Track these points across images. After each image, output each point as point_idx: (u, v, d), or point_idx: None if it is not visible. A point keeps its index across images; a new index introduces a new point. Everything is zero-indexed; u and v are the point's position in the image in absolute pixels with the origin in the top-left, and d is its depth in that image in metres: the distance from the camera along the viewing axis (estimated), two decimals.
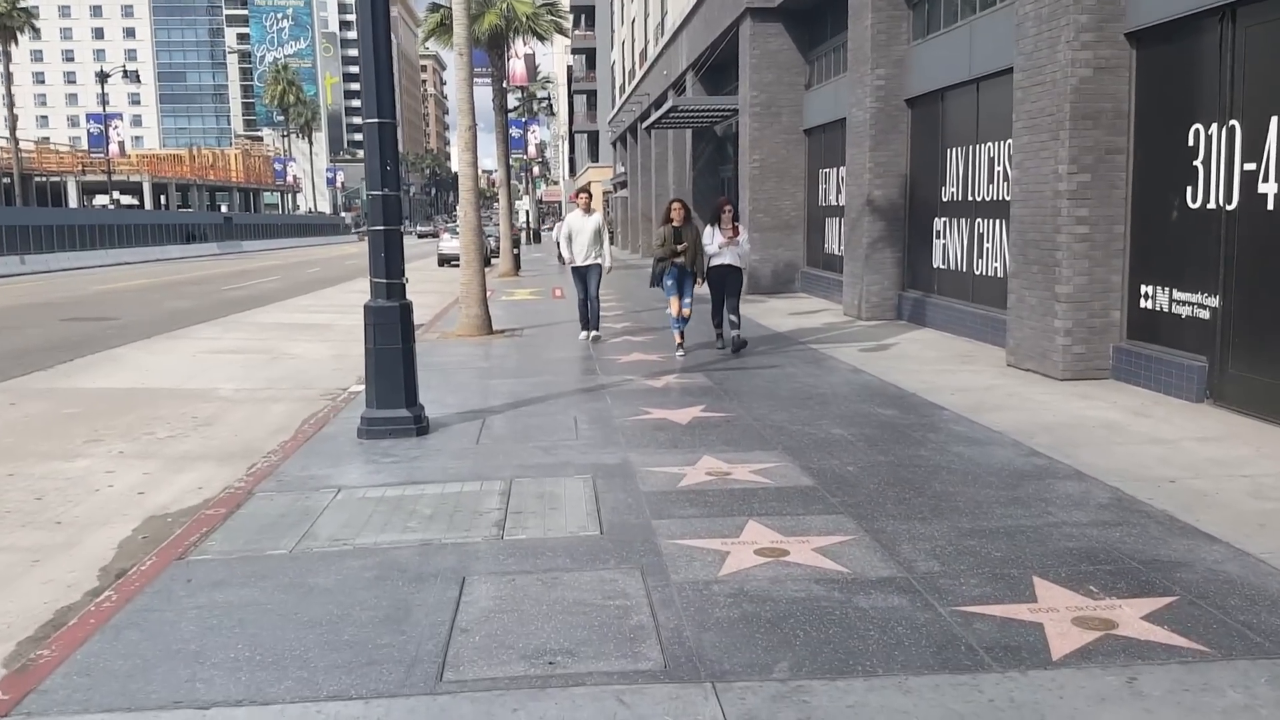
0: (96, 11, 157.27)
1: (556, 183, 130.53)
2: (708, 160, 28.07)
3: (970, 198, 12.79)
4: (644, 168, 41.13)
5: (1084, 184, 9.42)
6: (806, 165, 20.12)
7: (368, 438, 7.60)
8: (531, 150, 75.90)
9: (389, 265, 7.59)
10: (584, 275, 13.39)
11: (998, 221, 12.01)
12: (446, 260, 39.11)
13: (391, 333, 7.60)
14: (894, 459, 6.69)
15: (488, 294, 15.06)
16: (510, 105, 35.97)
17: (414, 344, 7.85)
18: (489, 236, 42.75)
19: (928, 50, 13.93)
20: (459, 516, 5.54)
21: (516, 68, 37.10)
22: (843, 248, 17.49)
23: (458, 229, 40.36)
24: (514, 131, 72.99)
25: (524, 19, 27.66)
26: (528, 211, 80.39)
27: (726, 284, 11.89)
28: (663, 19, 33.71)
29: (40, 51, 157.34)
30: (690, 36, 26.48)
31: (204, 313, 20.37)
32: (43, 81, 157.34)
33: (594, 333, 13.46)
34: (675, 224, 11.50)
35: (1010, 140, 11.63)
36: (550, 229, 79.03)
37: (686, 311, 11.68)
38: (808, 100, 19.78)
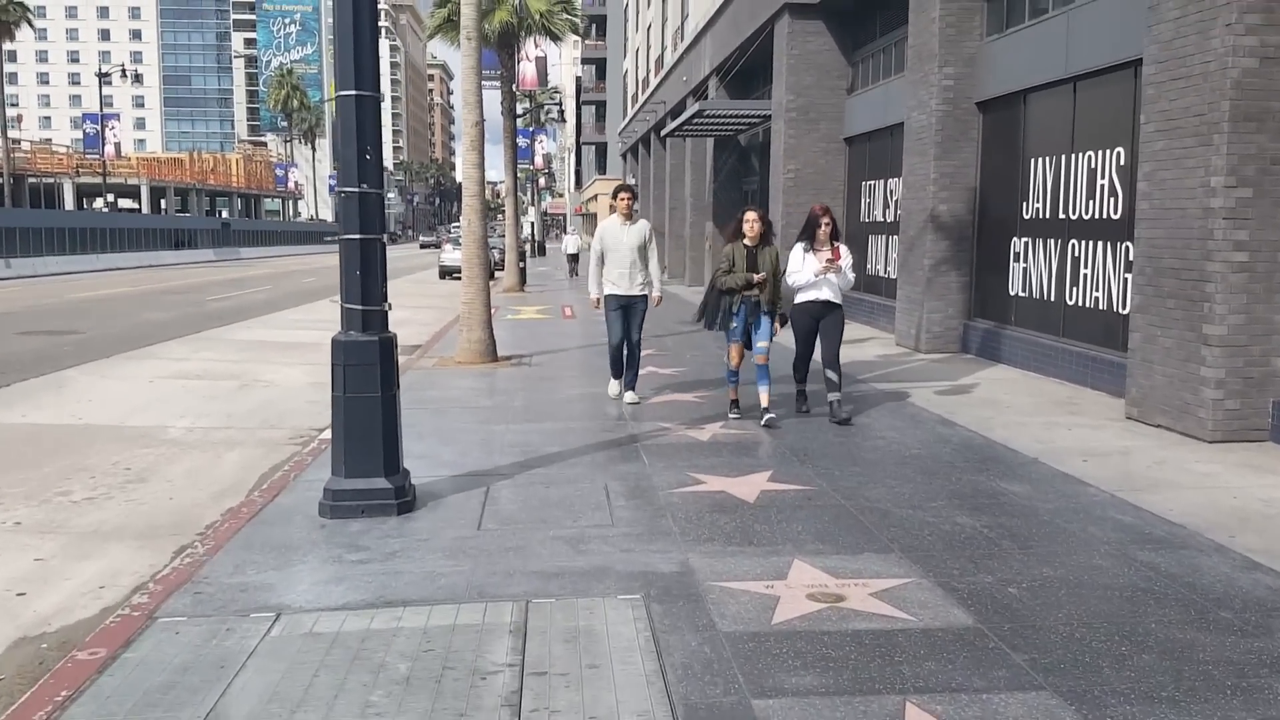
0: (103, 13, 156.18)
1: (561, 195, 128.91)
2: (730, 172, 26.22)
3: (1062, 215, 10.89)
4: (657, 180, 39.32)
5: (1244, 200, 7.53)
6: (846, 177, 18.25)
7: (333, 516, 5.68)
8: (538, 161, 74.30)
9: (366, 287, 5.69)
10: (625, 311, 9.39)
11: (1102, 244, 10.11)
12: (449, 272, 37.25)
13: (367, 377, 5.69)
14: (1067, 574, 4.76)
15: (491, 312, 13.16)
16: (517, 112, 34.23)
17: (397, 390, 5.93)
18: (493, 249, 40.93)
19: (1007, 46, 12.07)
20: (449, 685, 3.60)
21: (527, 70, 35.33)
22: (893, 269, 15.59)
23: (460, 239, 38.83)
24: (521, 141, 71.48)
25: (537, 16, 25.86)
26: (533, 224, 78.64)
27: (822, 328, 8.66)
28: (683, 23, 31.96)
29: (45, 52, 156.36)
30: (715, 39, 24.68)
31: (181, 326, 18.48)
32: (47, 82, 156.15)
33: (630, 394, 9.55)
34: (749, 242, 8.30)
35: (1120, 149, 9.76)
36: (559, 240, 77.27)
37: (760, 358, 8.46)
38: (850, 106, 17.93)
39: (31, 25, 46.64)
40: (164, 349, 14.94)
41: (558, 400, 9.86)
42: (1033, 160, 11.55)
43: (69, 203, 73.86)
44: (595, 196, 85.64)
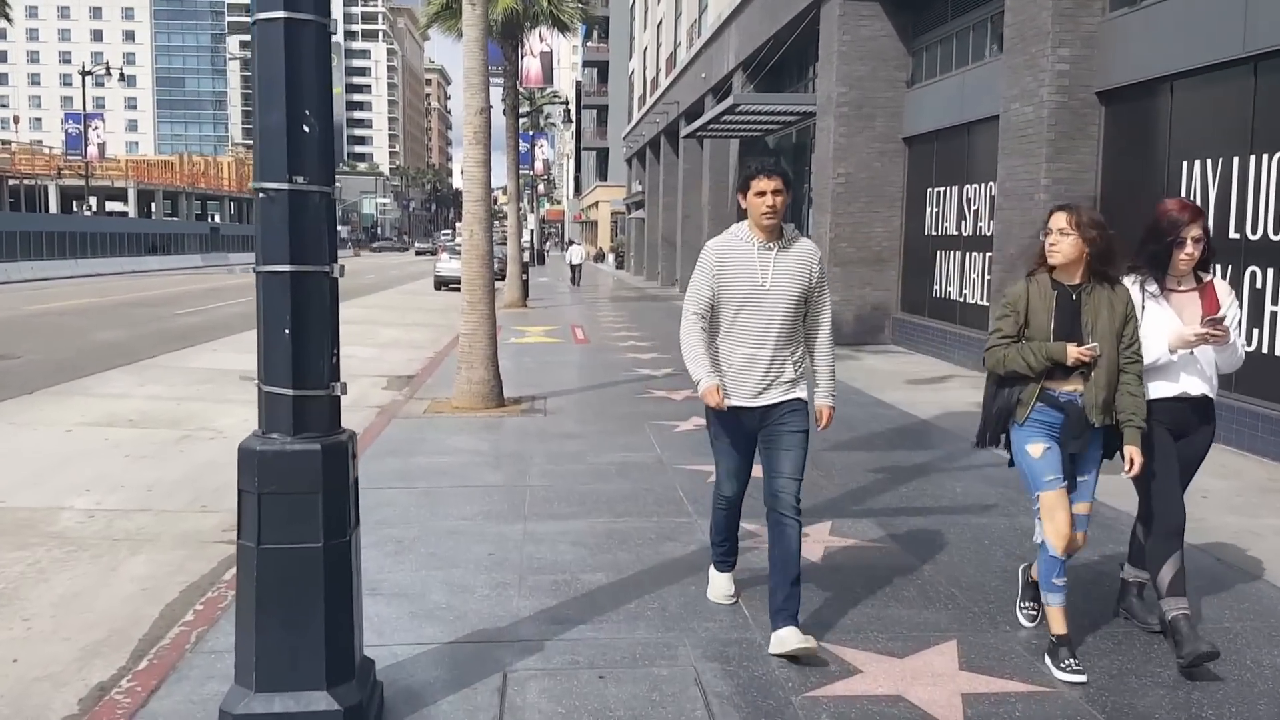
0: (96, 13, 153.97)
1: (559, 203, 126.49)
2: None
3: (1234, 234, 8.48)
4: (668, 186, 36.94)
5: None
6: (905, 183, 15.85)
7: None
8: (538, 167, 71.97)
9: (301, 356, 3.23)
10: (753, 437, 4.52)
11: None
12: (444, 283, 34.83)
13: (301, 516, 3.22)
14: None
15: (497, 344, 10.71)
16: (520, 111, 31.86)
17: (354, 531, 3.45)
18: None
19: (1143, 21, 9.67)
20: None
21: (531, 67, 32.93)
22: (970, 291, 13.18)
23: (458, 248, 36.57)
24: (521, 145, 69.18)
25: (545, 3, 23.45)
26: (532, 231, 76.20)
27: (1183, 455, 4.23)
28: (700, 16, 29.62)
29: (37, 53, 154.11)
30: (741, 30, 22.31)
31: (136, 348, 15.99)
32: (38, 83, 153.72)
33: (789, 633, 4.06)
34: (1060, 273, 4.04)
35: None
36: (561, 249, 74.93)
37: (1080, 537, 4.13)
38: (911, 101, 15.54)
39: (7, 18, 44.03)
40: (103, 381, 12.44)
41: (589, 471, 7.38)
42: (1184, 164, 9.14)
43: (53, 206, 71.41)
44: (596, 204, 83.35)
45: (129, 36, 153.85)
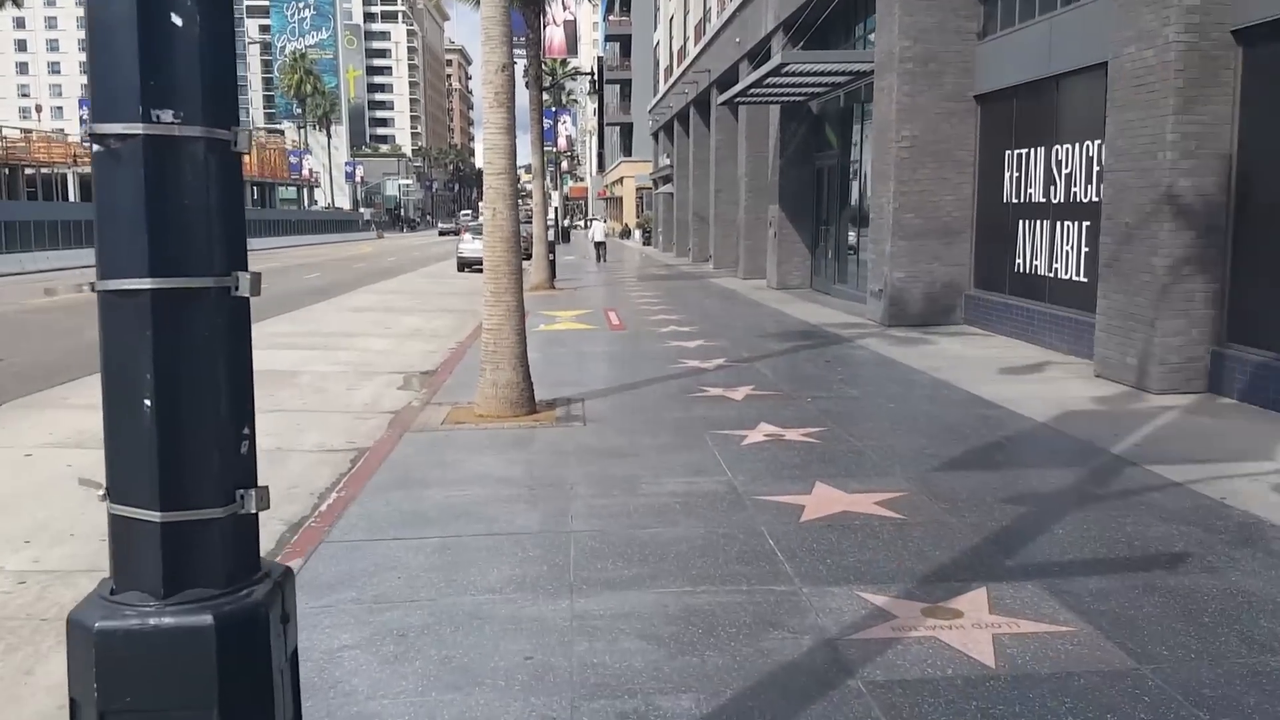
0: None
1: (582, 179, 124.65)
2: (799, 146, 22.11)
3: None
4: (698, 159, 35.23)
5: None
6: (978, 145, 14.16)
7: None
8: (562, 143, 70.31)
9: (173, 447, 1.72)
10: None
11: None
12: (467, 264, 33.41)
13: None
14: None
15: (526, 338, 9.20)
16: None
17: None
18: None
19: None
20: None
21: (554, 36, 31.28)
22: (1066, 267, 11.54)
23: (481, 228, 35.18)
24: (544, 121, 67.57)
25: None
26: (557, 209, 74.58)
27: None
28: None
29: (56, 41, 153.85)
30: None
31: None
32: (58, 72, 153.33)
33: None
34: None
35: None
36: (584, 226, 73.40)
37: None
38: (983, 55, 13.82)
39: (16, 3, 42.89)
40: (80, 390, 11.04)
41: (646, 507, 5.86)
42: None
43: (73, 194, 70.54)
44: (621, 179, 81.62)
45: None
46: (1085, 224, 11.22)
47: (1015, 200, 13.03)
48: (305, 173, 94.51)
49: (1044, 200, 12.21)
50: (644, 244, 55.42)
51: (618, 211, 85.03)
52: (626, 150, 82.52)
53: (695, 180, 35.37)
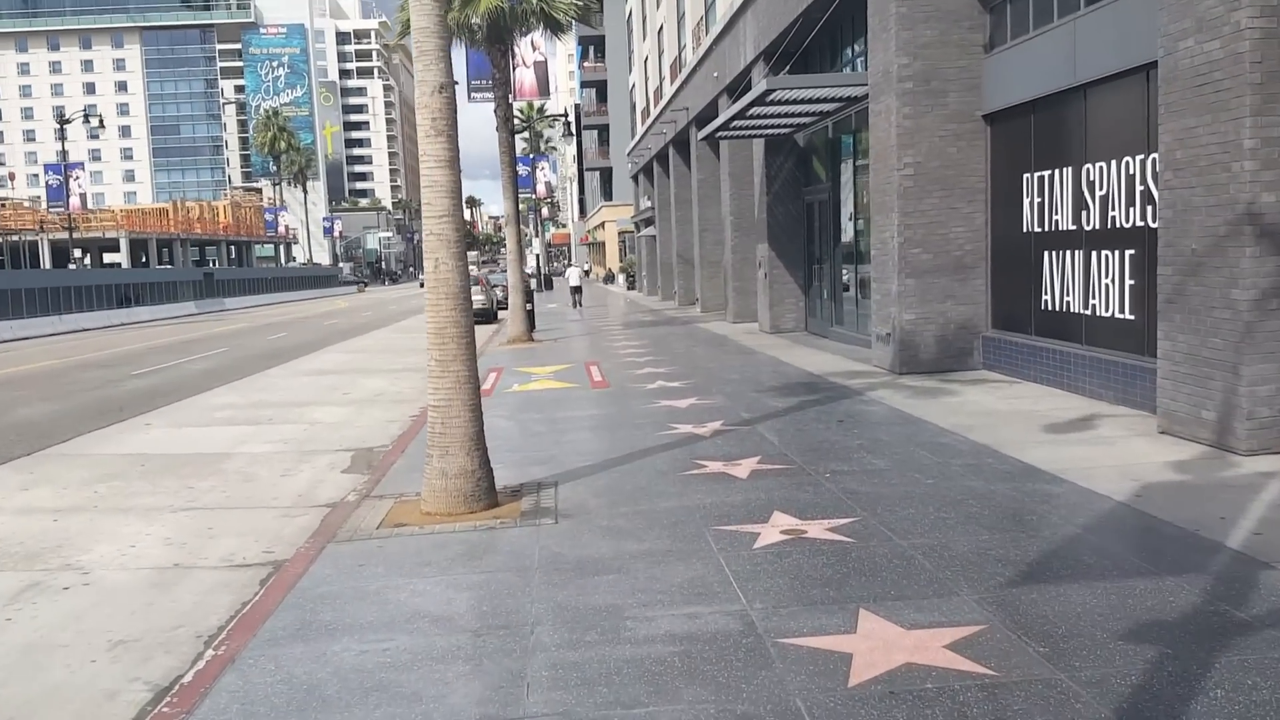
0: (88, 66, 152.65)
1: (564, 226, 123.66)
2: (786, 181, 20.74)
3: None
4: (680, 200, 33.95)
5: None
6: (989, 169, 12.75)
7: None
8: (540, 189, 69.20)
9: None
10: None
11: None
12: None
13: None
14: None
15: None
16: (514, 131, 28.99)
17: None
18: (494, 287, 35.33)
19: None
20: None
21: (525, 78, 29.97)
22: (1103, 301, 10.05)
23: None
24: (521, 169, 66.42)
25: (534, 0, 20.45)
26: (538, 256, 73.28)
27: None
28: (706, 13, 26.68)
29: (30, 109, 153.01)
30: (760, 15, 19.31)
31: (55, 427, 12.96)
32: (33, 139, 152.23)
33: None
34: None
35: None
36: (561, 273, 72.18)
37: None
38: (992, 68, 12.47)
39: None
40: None
41: (632, 664, 4.22)
42: None
43: (46, 261, 68.92)
44: (602, 224, 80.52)
45: (121, 87, 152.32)
46: (1129, 252, 9.76)
47: (1038, 229, 11.58)
48: (281, 229, 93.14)
49: (1074, 227, 10.76)
50: (628, 288, 54.03)
51: (600, 256, 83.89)
52: (607, 195, 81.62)
53: (678, 221, 34.06)
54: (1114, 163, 9.95)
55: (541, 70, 30.42)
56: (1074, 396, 10.43)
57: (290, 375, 18.74)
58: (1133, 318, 9.71)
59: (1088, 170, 10.44)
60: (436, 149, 6.84)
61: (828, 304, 18.99)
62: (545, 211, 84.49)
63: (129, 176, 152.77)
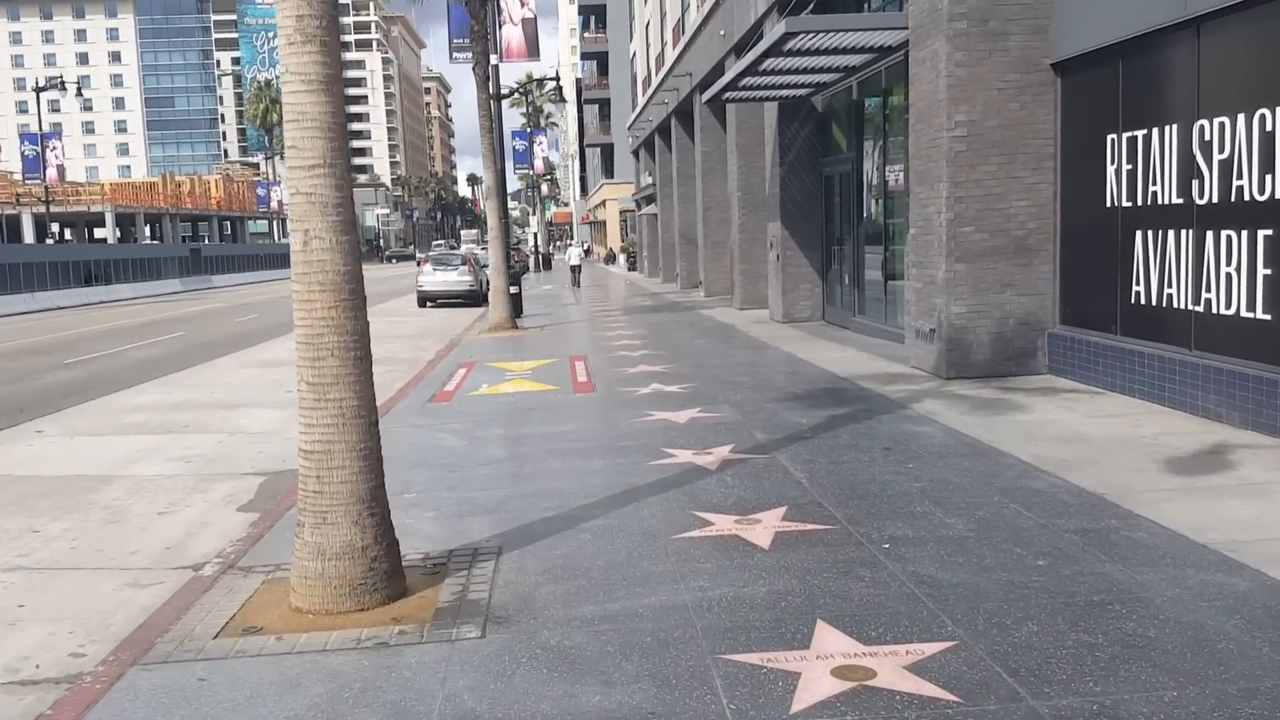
0: (80, 36, 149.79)
1: (566, 204, 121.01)
2: (801, 151, 18.38)
3: None
4: (683, 175, 31.56)
5: None
6: (1059, 130, 10.43)
7: None
8: (539, 165, 66.75)
9: None
10: None
11: None
12: (429, 299, 29.69)
13: None
14: None
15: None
16: (508, 106, 26.57)
17: None
18: (483, 266, 33.02)
19: None
20: None
21: (512, 37, 27.55)
22: (1234, 298, 7.75)
23: (443, 257, 30.89)
24: (519, 144, 63.89)
25: None
26: (536, 235, 70.84)
27: None
28: None
29: (23, 79, 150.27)
30: None
31: None
32: (25, 111, 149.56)
33: None
34: None
35: None
36: (563, 251, 69.84)
37: None
38: (1063, 6, 10.12)
39: None
40: None
41: None
42: None
43: (29, 235, 66.67)
44: (603, 203, 78.01)
45: (115, 57, 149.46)
46: (1263, 233, 7.46)
47: (1126, 203, 9.26)
48: (274, 204, 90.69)
49: (1180, 201, 8.45)
50: (629, 269, 51.68)
51: (602, 236, 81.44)
52: (608, 172, 78.98)
53: (681, 199, 31.68)
54: (1242, 117, 7.64)
55: (531, 28, 27.97)
56: (1182, 416, 8.15)
57: (238, 366, 16.47)
58: (1268, 317, 7.43)
59: (1202, 128, 8.11)
60: (303, 63, 4.56)
61: (849, 290, 16.68)
62: (545, 189, 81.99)
63: (123, 150, 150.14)
